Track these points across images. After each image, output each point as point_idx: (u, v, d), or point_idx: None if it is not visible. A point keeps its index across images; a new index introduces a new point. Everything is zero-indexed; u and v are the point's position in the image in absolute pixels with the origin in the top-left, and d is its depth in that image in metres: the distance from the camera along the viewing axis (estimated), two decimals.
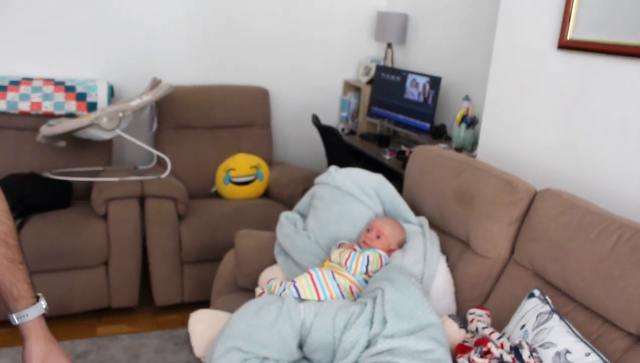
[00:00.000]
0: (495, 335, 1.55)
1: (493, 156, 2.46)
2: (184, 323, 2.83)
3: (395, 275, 1.71)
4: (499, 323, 1.73)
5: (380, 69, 3.69)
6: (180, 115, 3.36)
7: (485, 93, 2.53)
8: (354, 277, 1.87)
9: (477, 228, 1.93)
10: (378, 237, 1.98)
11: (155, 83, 3.05)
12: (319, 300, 1.77)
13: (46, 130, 2.73)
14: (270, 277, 2.09)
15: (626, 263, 1.47)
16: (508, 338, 1.53)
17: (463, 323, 1.70)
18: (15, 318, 1.11)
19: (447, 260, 2.03)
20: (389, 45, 3.87)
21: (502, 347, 1.48)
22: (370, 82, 3.82)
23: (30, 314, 1.11)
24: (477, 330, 1.64)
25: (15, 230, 1.13)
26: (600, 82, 1.94)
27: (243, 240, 2.32)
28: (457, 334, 1.66)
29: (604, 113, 1.93)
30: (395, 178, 2.65)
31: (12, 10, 3.15)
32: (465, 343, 1.59)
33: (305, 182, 3.17)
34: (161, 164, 3.27)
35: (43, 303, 1.13)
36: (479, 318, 1.69)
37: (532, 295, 1.60)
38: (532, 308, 1.56)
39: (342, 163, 3.01)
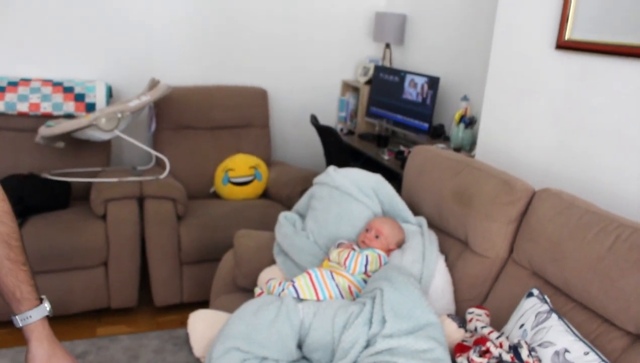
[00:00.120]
0: (494, 334, 1.55)
1: (491, 156, 2.46)
2: (183, 324, 2.83)
3: (394, 275, 1.71)
4: (498, 322, 1.73)
5: (378, 69, 3.69)
6: (179, 116, 3.36)
7: (483, 93, 2.54)
8: (353, 276, 1.87)
9: (476, 228, 1.93)
10: (377, 236, 1.99)
11: (154, 84, 3.05)
12: (318, 300, 1.78)
13: (45, 131, 2.73)
14: (269, 277, 2.09)
15: (624, 262, 1.48)
16: (507, 338, 1.53)
17: (462, 322, 1.70)
18: (18, 320, 1.10)
19: (446, 259, 2.03)
20: (388, 46, 3.88)
21: (501, 346, 1.48)
22: (368, 82, 3.82)
23: (33, 316, 1.10)
24: (476, 329, 1.64)
25: (19, 231, 1.12)
26: (598, 82, 1.95)
27: (242, 241, 2.32)
28: (456, 333, 1.66)
29: (602, 113, 1.94)
30: (394, 178, 2.65)
31: (11, 11, 3.14)
32: (464, 343, 1.60)
33: (304, 182, 3.17)
34: (160, 164, 3.27)
35: (47, 305, 1.13)
36: (478, 318, 1.69)
37: (530, 295, 1.60)
38: (531, 307, 1.56)
39: (341, 163, 3.01)
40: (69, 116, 3.12)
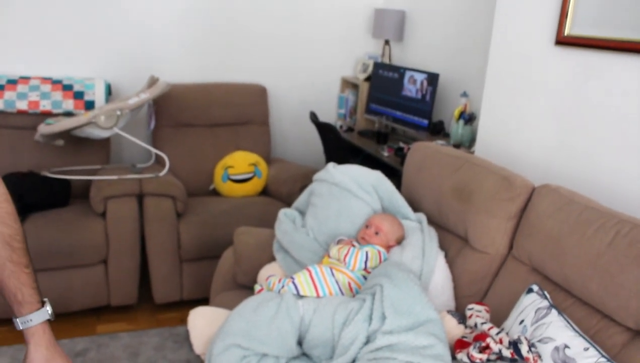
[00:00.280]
0: (494, 330, 1.55)
1: (491, 152, 2.46)
2: (184, 321, 2.83)
3: (394, 271, 1.71)
4: (498, 318, 1.73)
5: (377, 65, 3.69)
6: (178, 113, 3.35)
7: (483, 89, 2.53)
8: (353, 273, 1.87)
9: (476, 224, 1.93)
10: (377, 233, 1.99)
11: (153, 81, 3.05)
12: (318, 296, 1.78)
13: (44, 129, 2.73)
14: (269, 274, 2.09)
15: (624, 258, 1.48)
16: (507, 334, 1.54)
17: (462, 318, 1.71)
18: (19, 323, 1.08)
19: (446, 256, 2.03)
20: (387, 42, 3.87)
21: (500, 342, 1.48)
22: (368, 79, 3.82)
23: (34, 319, 1.08)
24: (476, 325, 1.64)
25: (22, 233, 1.10)
26: (598, 78, 1.94)
27: (242, 238, 2.32)
28: (456, 330, 1.67)
29: (601, 108, 1.93)
30: (394, 174, 2.65)
31: (10, 9, 3.14)
32: (464, 339, 1.60)
33: (304, 179, 3.17)
34: (159, 162, 3.27)
35: (48, 309, 1.11)
36: (478, 314, 1.70)
37: (530, 291, 1.61)
38: (531, 303, 1.56)
39: (340, 160, 3.01)
40: (68, 114, 3.12)
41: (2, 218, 1.08)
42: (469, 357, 1.50)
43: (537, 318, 1.50)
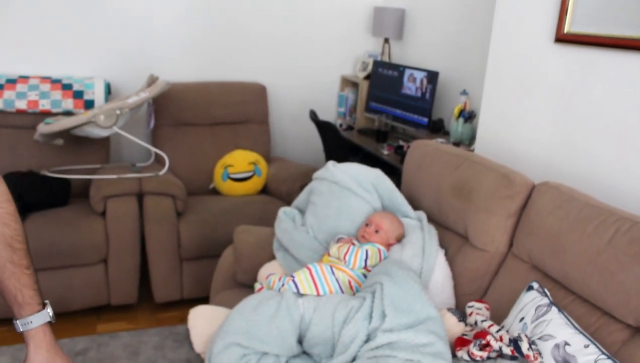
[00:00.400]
0: (494, 328, 1.55)
1: (491, 150, 2.46)
2: (184, 320, 2.83)
3: (394, 269, 1.71)
4: (498, 316, 1.73)
5: (377, 64, 3.69)
6: (178, 112, 3.35)
7: (482, 87, 2.53)
8: (353, 271, 1.87)
9: (475, 222, 1.93)
10: (377, 231, 1.98)
11: (152, 80, 3.05)
12: (318, 295, 1.78)
13: (43, 128, 2.73)
14: (269, 272, 2.09)
15: (624, 255, 1.47)
16: (507, 331, 1.53)
17: (462, 316, 1.70)
18: (19, 325, 1.07)
19: (446, 254, 2.03)
20: (386, 40, 3.87)
21: (501, 339, 1.48)
22: (367, 77, 3.82)
23: (34, 322, 1.07)
24: (476, 323, 1.64)
25: (24, 234, 1.09)
26: (597, 76, 1.94)
27: (242, 236, 2.32)
28: (456, 327, 1.67)
29: (601, 106, 1.93)
30: (394, 173, 2.65)
31: (9, 9, 3.13)
32: (465, 337, 1.60)
33: (304, 177, 3.17)
34: (159, 161, 3.27)
35: (49, 311, 1.10)
36: (478, 312, 1.70)
37: (530, 288, 1.60)
38: (531, 301, 1.56)
39: (340, 158, 3.01)
40: (68, 113, 3.12)
41: (3, 219, 1.07)
42: (470, 354, 1.50)
43: (537, 316, 1.50)
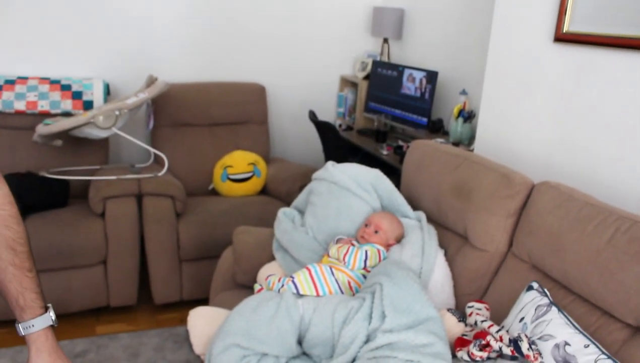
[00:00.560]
0: (494, 328, 1.55)
1: (490, 150, 2.46)
2: (183, 321, 2.83)
3: (394, 270, 1.71)
4: (498, 316, 1.73)
5: (376, 64, 3.69)
6: (177, 113, 3.35)
7: (482, 87, 2.53)
8: (353, 272, 1.87)
9: (475, 222, 1.93)
10: (376, 231, 1.98)
11: (151, 81, 3.05)
12: (318, 295, 1.77)
13: (42, 129, 2.72)
14: (268, 273, 2.08)
15: (624, 255, 1.47)
16: (507, 331, 1.53)
17: (462, 316, 1.70)
18: (20, 329, 1.07)
19: (445, 254, 2.03)
20: (385, 40, 3.87)
21: (501, 339, 1.48)
22: (366, 77, 3.82)
23: (36, 325, 1.06)
24: (476, 323, 1.64)
25: (26, 236, 1.08)
26: (597, 75, 1.94)
27: (241, 237, 2.32)
28: (456, 328, 1.66)
29: (600, 105, 1.93)
30: (393, 173, 2.65)
31: (8, 10, 3.13)
32: (465, 337, 1.60)
33: (303, 178, 3.17)
34: (158, 162, 3.27)
35: (51, 315, 1.09)
36: (478, 312, 1.69)
37: (530, 288, 1.60)
38: (531, 300, 1.56)
39: (340, 159, 3.01)
40: (67, 114, 3.11)
41: (5, 221, 1.06)
42: (470, 355, 1.49)
43: (537, 316, 1.50)
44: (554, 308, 1.49)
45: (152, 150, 3.13)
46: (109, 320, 2.85)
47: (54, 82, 3.12)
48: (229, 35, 3.65)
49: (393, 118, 3.50)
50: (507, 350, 1.44)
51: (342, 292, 1.83)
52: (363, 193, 2.13)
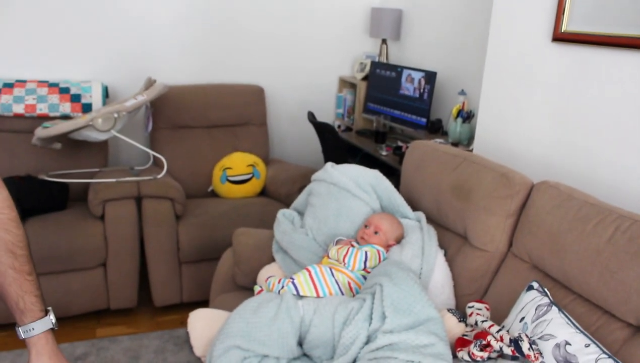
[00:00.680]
0: (495, 328, 1.55)
1: (490, 150, 2.46)
2: (184, 323, 2.82)
3: (394, 270, 1.71)
4: (498, 316, 1.73)
5: (375, 65, 3.69)
6: (176, 115, 3.35)
7: (480, 87, 2.53)
8: (353, 273, 1.87)
9: (475, 222, 1.93)
10: (376, 232, 1.98)
11: (150, 83, 3.05)
12: (318, 296, 1.77)
13: (41, 132, 2.72)
14: (268, 274, 2.08)
15: (624, 254, 1.47)
16: (507, 331, 1.53)
17: (462, 317, 1.70)
18: (21, 332, 1.07)
19: (445, 254, 2.03)
20: (384, 41, 3.87)
21: (501, 339, 1.48)
22: (365, 78, 3.82)
23: (36, 328, 1.06)
24: (476, 323, 1.64)
25: (26, 239, 1.08)
26: (595, 74, 1.94)
27: (241, 239, 2.32)
28: (457, 328, 1.66)
29: (599, 105, 1.93)
30: (392, 174, 2.65)
31: (5, 13, 3.13)
32: (465, 337, 1.59)
33: (302, 179, 3.17)
34: (157, 164, 3.27)
35: (52, 318, 1.09)
36: (478, 312, 1.69)
37: (530, 288, 1.60)
38: (531, 300, 1.56)
39: (339, 160, 3.01)
40: (66, 117, 3.11)
41: (4, 225, 1.06)
42: (470, 355, 1.49)
43: (537, 316, 1.50)
44: (554, 308, 1.49)
45: (151, 152, 3.13)
46: (109, 323, 2.84)
47: (52, 85, 3.12)
48: (226, 37, 3.65)
49: (392, 119, 3.50)
50: (508, 350, 1.44)
51: (342, 293, 1.83)
52: (362, 194, 2.13)
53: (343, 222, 2.10)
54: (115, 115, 2.71)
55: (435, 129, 3.29)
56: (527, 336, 1.44)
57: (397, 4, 3.83)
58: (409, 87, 3.40)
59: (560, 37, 2.04)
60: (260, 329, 1.62)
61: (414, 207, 2.23)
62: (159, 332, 2.75)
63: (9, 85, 3.03)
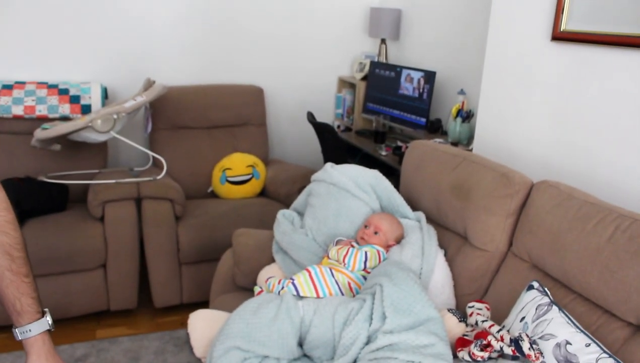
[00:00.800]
0: (495, 328, 1.55)
1: (489, 149, 2.46)
2: (184, 324, 2.82)
3: (394, 271, 1.71)
4: (499, 316, 1.73)
5: (374, 64, 3.69)
6: (175, 116, 3.35)
7: (480, 86, 2.53)
8: (353, 273, 1.87)
9: (475, 222, 1.93)
10: (376, 233, 1.98)
11: (149, 84, 3.04)
12: (318, 297, 1.77)
13: (40, 133, 2.72)
14: (268, 275, 2.08)
15: (624, 253, 1.47)
16: (508, 331, 1.53)
17: (462, 316, 1.70)
18: (17, 334, 1.07)
19: (445, 254, 2.03)
20: (383, 41, 3.87)
21: (502, 339, 1.48)
22: (364, 78, 3.82)
23: (33, 330, 1.07)
24: (476, 323, 1.64)
25: (23, 242, 1.09)
26: (595, 73, 1.94)
27: (241, 239, 2.32)
28: (457, 328, 1.66)
29: (599, 104, 1.93)
30: (392, 173, 2.65)
31: (4, 14, 3.13)
32: (465, 337, 1.59)
33: (302, 179, 3.17)
34: (157, 165, 3.27)
35: (48, 319, 1.10)
36: (479, 312, 1.69)
37: (531, 287, 1.60)
38: (532, 300, 1.56)
39: (338, 160, 3.00)
40: (65, 118, 3.11)
41: (2, 227, 1.07)
42: (471, 355, 1.49)
43: (538, 315, 1.50)
44: (554, 308, 1.49)
45: (151, 153, 3.13)
46: (109, 324, 2.84)
47: (51, 87, 3.11)
48: (225, 38, 3.65)
49: (391, 118, 3.50)
50: (508, 350, 1.44)
51: (342, 294, 1.83)
52: (362, 195, 2.13)
53: (343, 223, 2.10)
54: (115, 116, 2.71)
55: (435, 128, 3.29)
56: (527, 336, 1.44)
57: (396, 4, 3.82)
58: (409, 86, 3.39)
59: (560, 36, 2.04)
60: (261, 330, 1.62)
61: (414, 207, 2.23)
62: (159, 333, 2.75)
63: (8, 87, 3.03)
